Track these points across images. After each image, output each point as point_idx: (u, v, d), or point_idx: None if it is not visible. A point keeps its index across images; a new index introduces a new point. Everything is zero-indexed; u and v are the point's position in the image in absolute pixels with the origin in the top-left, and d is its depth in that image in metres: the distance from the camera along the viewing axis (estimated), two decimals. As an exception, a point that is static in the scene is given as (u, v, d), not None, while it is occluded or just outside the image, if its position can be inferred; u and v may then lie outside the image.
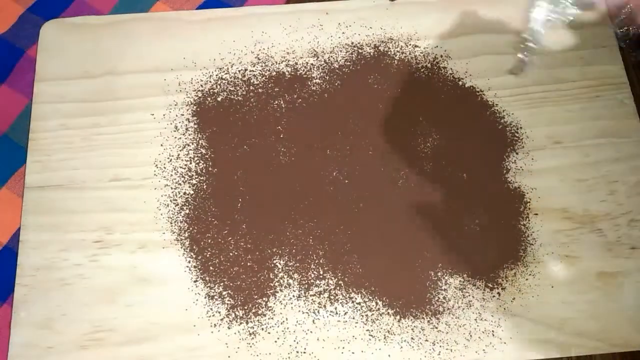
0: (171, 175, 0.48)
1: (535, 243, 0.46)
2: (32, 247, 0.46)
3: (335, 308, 0.45)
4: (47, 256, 0.46)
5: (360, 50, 0.52)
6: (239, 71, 0.51)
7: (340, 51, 0.52)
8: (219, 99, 0.50)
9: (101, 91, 0.50)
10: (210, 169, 0.48)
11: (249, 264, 0.45)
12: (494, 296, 0.45)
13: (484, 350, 0.44)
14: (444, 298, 0.45)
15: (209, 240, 0.46)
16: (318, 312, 0.44)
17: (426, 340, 0.44)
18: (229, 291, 0.45)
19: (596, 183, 0.48)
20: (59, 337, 0.44)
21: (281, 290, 0.45)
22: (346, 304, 0.45)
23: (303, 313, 0.44)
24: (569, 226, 0.47)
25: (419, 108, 0.50)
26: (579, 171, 0.48)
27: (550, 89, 0.51)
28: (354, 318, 0.44)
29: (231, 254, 0.46)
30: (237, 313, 0.44)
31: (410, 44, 0.52)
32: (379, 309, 0.45)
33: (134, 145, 0.49)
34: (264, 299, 0.45)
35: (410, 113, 0.50)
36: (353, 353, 0.44)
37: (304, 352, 0.43)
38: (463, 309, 0.45)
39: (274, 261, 0.46)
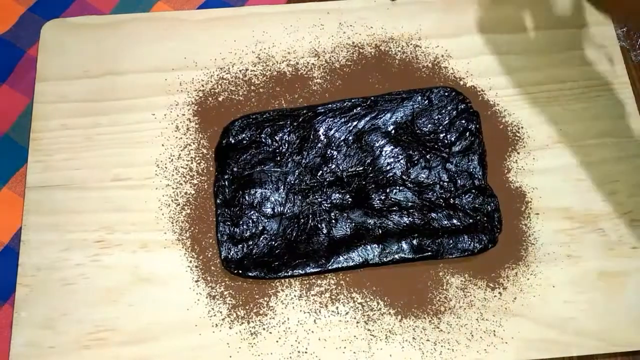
0: (172, 175, 0.48)
1: (537, 243, 0.46)
2: (33, 247, 0.46)
3: (337, 308, 0.45)
4: (49, 256, 0.46)
5: (361, 50, 0.52)
6: (240, 71, 0.51)
7: (341, 51, 0.52)
8: (220, 98, 0.50)
9: (102, 91, 0.50)
10: (211, 168, 0.48)
11: (250, 263, 0.45)
12: (495, 296, 0.45)
13: (485, 350, 0.44)
14: (446, 298, 0.45)
15: (210, 240, 0.46)
16: (319, 312, 0.44)
17: (427, 340, 0.44)
18: (231, 291, 0.45)
19: (597, 183, 0.48)
20: (61, 337, 0.44)
21: (282, 290, 0.45)
22: (347, 303, 0.45)
23: (304, 313, 0.44)
24: (570, 226, 0.47)
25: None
26: (580, 171, 0.48)
27: (552, 89, 0.51)
28: (355, 318, 0.44)
29: (232, 254, 0.46)
30: (238, 313, 0.44)
31: (411, 44, 0.52)
32: (380, 308, 0.45)
33: (135, 145, 0.49)
34: (265, 298, 0.45)
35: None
36: (354, 353, 0.44)
37: (306, 352, 0.43)
38: (464, 308, 0.45)
39: (275, 261, 0.46)
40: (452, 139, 0.48)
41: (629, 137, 0.50)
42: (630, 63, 0.53)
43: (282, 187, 0.47)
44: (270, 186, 0.47)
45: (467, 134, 0.48)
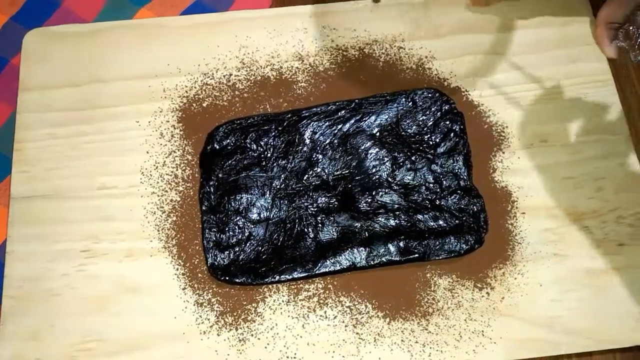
0: (157, 182, 0.48)
1: (523, 242, 0.46)
2: (18, 258, 0.46)
3: (325, 312, 0.45)
4: (34, 267, 0.45)
5: (345, 53, 0.52)
6: (224, 76, 0.51)
7: (325, 54, 0.52)
8: (204, 104, 0.50)
9: (86, 99, 0.50)
10: (196, 175, 0.48)
11: (237, 270, 0.45)
12: (483, 296, 0.45)
13: (474, 350, 0.44)
14: (433, 299, 0.45)
15: (197, 247, 0.46)
16: (308, 316, 0.44)
17: (416, 342, 0.44)
18: (218, 298, 0.45)
19: (583, 180, 0.48)
20: (48, 348, 0.43)
21: (270, 296, 0.45)
22: (335, 307, 0.45)
23: (293, 318, 0.44)
24: (556, 224, 0.47)
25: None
26: (566, 169, 0.49)
27: (536, 87, 0.51)
28: (343, 322, 0.44)
29: (219, 261, 0.46)
30: (226, 319, 0.44)
31: (394, 46, 0.52)
32: (368, 311, 0.45)
33: (119, 153, 0.49)
34: (253, 304, 0.45)
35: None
36: (343, 357, 0.43)
37: (294, 357, 0.43)
38: (452, 309, 0.45)
39: (263, 266, 0.46)
40: (437, 140, 0.48)
41: (614, 134, 0.50)
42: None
43: (268, 192, 0.47)
44: (256, 191, 0.47)
45: (452, 134, 0.48)
